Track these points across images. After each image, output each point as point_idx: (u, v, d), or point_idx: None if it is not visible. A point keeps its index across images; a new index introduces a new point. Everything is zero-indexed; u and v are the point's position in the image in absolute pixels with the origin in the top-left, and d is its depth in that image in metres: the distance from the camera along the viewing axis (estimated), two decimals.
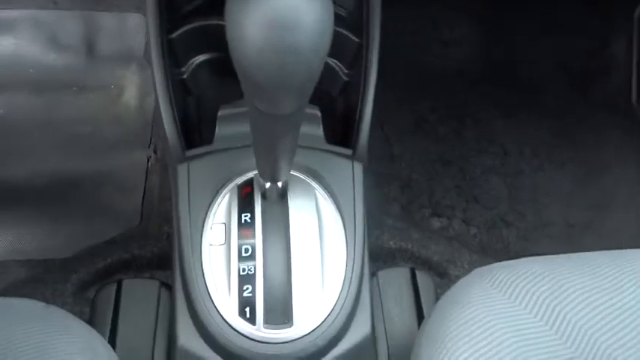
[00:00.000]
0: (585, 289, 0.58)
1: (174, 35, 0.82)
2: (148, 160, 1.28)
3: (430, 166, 1.39)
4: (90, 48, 1.40)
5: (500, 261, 0.65)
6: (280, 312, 0.67)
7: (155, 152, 1.29)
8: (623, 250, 0.64)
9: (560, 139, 1.49)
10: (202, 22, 0.85)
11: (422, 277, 0.94)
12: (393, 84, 1.48)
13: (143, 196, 1.23)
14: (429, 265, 1.07)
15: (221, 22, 0.81)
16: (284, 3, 0.34)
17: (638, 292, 0.58)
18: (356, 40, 0.87)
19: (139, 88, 1.37)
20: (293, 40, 0.35)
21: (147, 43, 0.81)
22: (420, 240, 1.09)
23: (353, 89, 0.90)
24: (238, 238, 0.70)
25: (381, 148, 1.39)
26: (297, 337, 0.66)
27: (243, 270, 0.68)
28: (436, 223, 1.31)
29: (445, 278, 1.05)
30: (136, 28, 1.42)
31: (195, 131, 1.00)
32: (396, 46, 1.52)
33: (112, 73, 1.39)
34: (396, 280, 0.93)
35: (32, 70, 1.37)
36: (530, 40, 1.59)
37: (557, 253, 0.66)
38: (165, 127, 0.77)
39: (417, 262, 1.08)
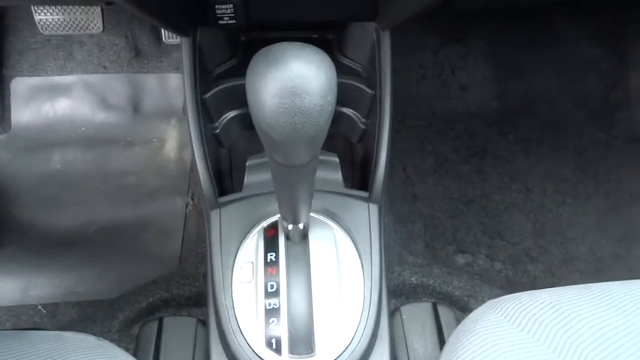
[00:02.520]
0: (594, 317, 0.61)
1: (207, 95, 0.93)
2: (186, 207, 1.39)
3: (453, 204, 1.44)
4: (135, 106, 1.55)
5: None
6: (303, 343, 0.73)
7: (192, 199, 1.39)
8: (637, 280, 0.66)
9: (584, 174, 1.51)
10: (231, 83, 0.96)
11: (443, 311, 0.98)
12: (414, 127, 1.56)
13: (182, 240, 1.32)
14: (450, 300, 1.11)
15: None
16: (294, 74, 0.42)
17: None
18: (370, 92, 0.96)
19: (178, 141, 1.50)
20: (302, 104, 0.43)
21: (184, 103, 0.92)
22: (442, 276, 1.13)
23: (370, 136, 0.98)
24: (264, 276, 0.77)
25: (403, 189, 1.45)
26: None
27: (269, 305, 0.74)
28: (460, 259, 1.35)
29: (467, 312, 1.08)
30: (176, 86, 1.56)
31: (227, 179, 1.09)
32: (417, 92, 1.60)
33: (154, 127, 1.53)
34: (418, 314, 0.97)
35: (84, 128, 1.52)
36: (547, 79, 1.64)
37: None
38: (200, 177, 0.87)
39: (439, 297, 1.12)
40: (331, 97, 0.46)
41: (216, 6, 0.85)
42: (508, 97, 1.62)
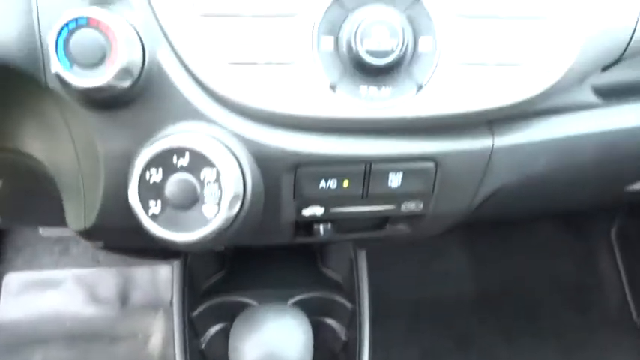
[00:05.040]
0: None
1: (195, 313, 0.97)
2: None
3: None
4: (124, 299, 1.58)
5: None
6: None
7: None
8: None
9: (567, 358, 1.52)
10: (219, 299, 1.01)
11: None
12: (397, 316, 1.59)
13: None
14: None
15: (232, 299, 0.97)
16: (273, 342, 0.48)
17: None
18: (350, 305, 1.01)
19: (163, 337, 1.50)
20: None
21: (172, 296, 0.95)
22: None
23: (352, 347, 1.01)
24: None
25: None
26: None
27: None
28: None
29: None
30: (166, 278, 1.61)
31: None
32: (398, 282, 1.67)
33: (141, 321, 1.54)
34: None
35: (69, 324, 1.53)
36: (521, 264, 1.73)
37: None
38: None
39: None
40: (308, 358, 0.51)
41: None
42: (486, 282, 1.69)
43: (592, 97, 0.70)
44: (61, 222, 0.85)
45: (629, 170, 0.81)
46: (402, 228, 0.75)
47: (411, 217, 0.71)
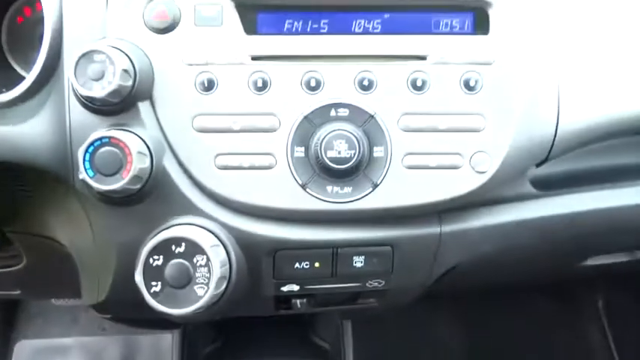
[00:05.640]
0: None
1: None
2: None
3: None
4: None
5: None
6: None
7: None
8: None
9: None
10: None
11: None
12: None
13: None
14: None
15: None
16: None
17: None
18: None
19: None
20: None
21: None
22: None
23: None
24: None
25: None
26: None
27: None
28: None
29: None
30: (169, 347, 1.68)
31: None
32: (390, 351, 1.72)
33: None
34: None
35: None
36: (511, 333, 1.78)
37: None
38: None
39: None
40: None
41: None
42: (478, 353, 1.74)
43: (530, 189, 0.82)
44: (74, 295, 0.96)
45: (570, 249, 0.92)
46: (372, 301, 0.85)
47: (377, 292, 0.81)
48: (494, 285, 1.19)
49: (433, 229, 0.76)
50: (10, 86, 0.74)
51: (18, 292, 1.09)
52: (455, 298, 1.78)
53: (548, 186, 0.83)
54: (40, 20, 0.80)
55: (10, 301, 1.67)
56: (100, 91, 0.64)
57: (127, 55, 0.65)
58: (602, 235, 0.90)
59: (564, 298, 1.83)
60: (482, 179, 0.71)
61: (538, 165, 0.80)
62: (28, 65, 0.82)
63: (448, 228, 0.76)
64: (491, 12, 0.72)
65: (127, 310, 0.79)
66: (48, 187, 0.74)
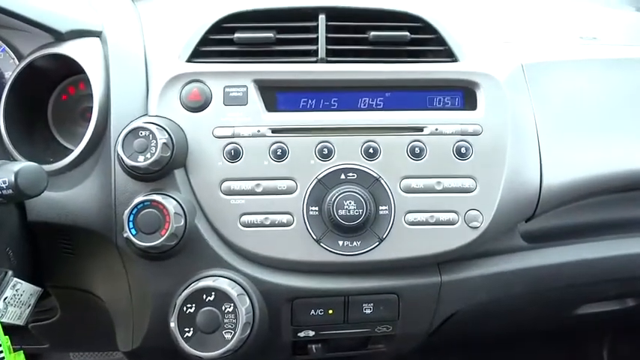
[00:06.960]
0: None
1: None
2: None
3: None
4: None
5: None
6: None
7: None
8: None
9: None
10: None
11: None
12: None
13: None
14: None
15: None
16: None
17: None
18: None
19: None
20: None
21: None
22: None
23: None
24: None
25: None
26: None
27: None
28: None
29: None
30: None
31: None
32: None
33: None
34: None
35: None
36: None
37: None
38: None
39: None
40: None
41: None
42: None
43: (521, 242, 0.92)
44: (106, 346, 1.03)
45: (560, 298, 1.00)
46: (381, 347, 0.93)
47: (385, 337, 0.89)
48: (495, 333, 1.24)
49: (434, 279, 0.84)
50: (55, 156, 0.85)
51: (46, 345, 1.15)
52: (461, 346, 1.82)
53: (538, 239, 0.93)
54: (83, 98, 0.92)
55: (31, 355, 1.72)
56: (143, 161, 0.75)
57: (166, 130, 0.76)
58: (589, 284, 0.98)
59: (569, 346, 1.86)
60: (475, 234, 0.81)
61: (527, 220, 0.89)
62: (70, 137, 0.94)
63: (447, 278, 0.85)
64: (477, 91, 0.84)
65: (159, 356, 0.86)
66: (91, 245, 0.84)
